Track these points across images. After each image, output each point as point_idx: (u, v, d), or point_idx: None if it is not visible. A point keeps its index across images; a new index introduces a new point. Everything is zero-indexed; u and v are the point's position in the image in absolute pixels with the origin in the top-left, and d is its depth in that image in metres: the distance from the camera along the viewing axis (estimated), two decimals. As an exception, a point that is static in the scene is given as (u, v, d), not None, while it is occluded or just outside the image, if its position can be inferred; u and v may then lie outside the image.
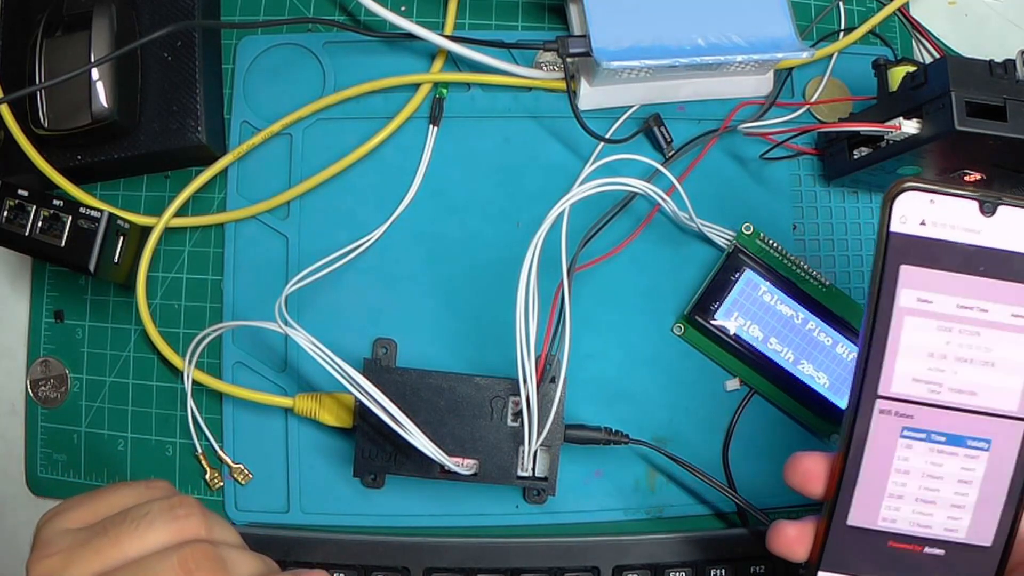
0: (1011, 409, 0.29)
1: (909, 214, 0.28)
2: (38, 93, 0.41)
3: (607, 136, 0.46)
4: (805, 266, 0.44)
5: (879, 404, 0.29)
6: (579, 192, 0.39)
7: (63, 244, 0.40)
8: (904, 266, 0.29)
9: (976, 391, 0.29)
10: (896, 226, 0.28)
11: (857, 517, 0.30)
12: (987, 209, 0.28)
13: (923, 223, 0.28)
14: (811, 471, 0.31)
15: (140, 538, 0.27)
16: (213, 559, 0.27)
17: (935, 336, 0.29)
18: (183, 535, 0.28)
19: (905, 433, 0.29)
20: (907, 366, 0.29)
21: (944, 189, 0.28)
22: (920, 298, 0.29)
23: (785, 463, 0.31)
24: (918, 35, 0.50)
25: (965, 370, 0.29)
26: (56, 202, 0.40)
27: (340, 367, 0.38)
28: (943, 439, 0.29)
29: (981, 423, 0.29)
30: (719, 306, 0.43)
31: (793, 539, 0.31)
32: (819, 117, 0.48)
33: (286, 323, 0.38)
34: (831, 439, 0.45)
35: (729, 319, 0.43)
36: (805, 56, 0.42)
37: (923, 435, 0.29)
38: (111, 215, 0.41)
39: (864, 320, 0.29)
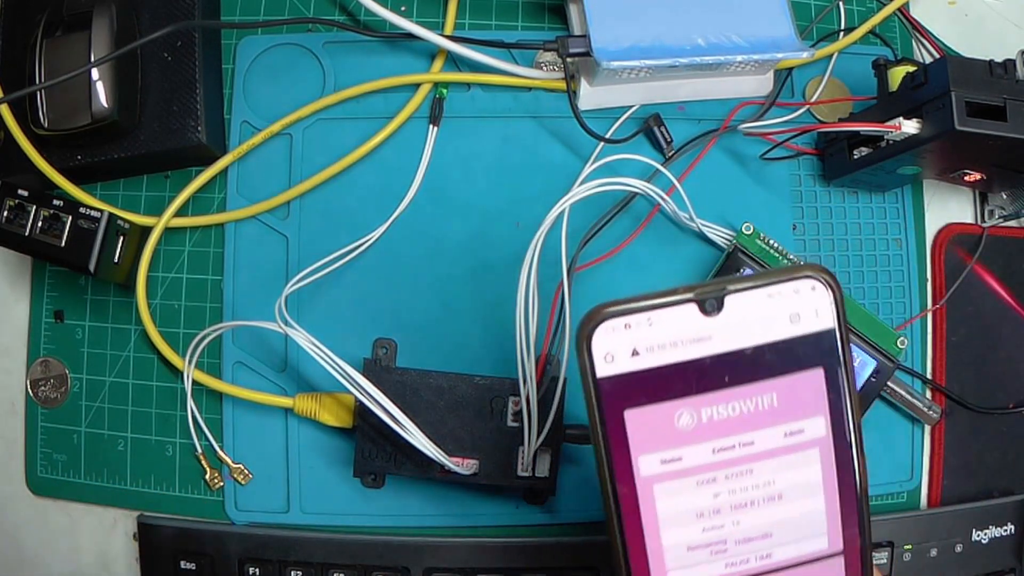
0: (819, 549, 0.24)
1: (615, 348, 0.22)
2: (38, 93, 0.41)
3: (607, 136, 0.45)
4: (805, 266, 0.44)
5: None
6: (579, 192, 0.39)
7: (63, 244, 0.40)
8: (629, 411, 0.22)
9: (771, 532, 0.23)
10: (603, 368, 0.22)
11: None
12: (709, 307, 0.22)
13: (636, 352, 0.22)
14: None
15: None
16: None
17: (699, 493, 0.23)
18: None
19: None
20: (674, 539, 0.23)
21: (642, 304, 0.23)
22: (665, 458, 0.22)
23: None
24: (918, 35, 0.50)
25: (748, 517, 0.23)
26: (56, 202, 0.40)
27: (340, 367, 0.38)
28: None
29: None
30: (719, 306, 0.43)
31: None
32: (819, 117, 0.48)
33: (286, 323, 0.38)
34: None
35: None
36: (805, 56, 0.42)
37: None
38: (111, 215, 0.41)
39: (602, 497, 0.23)
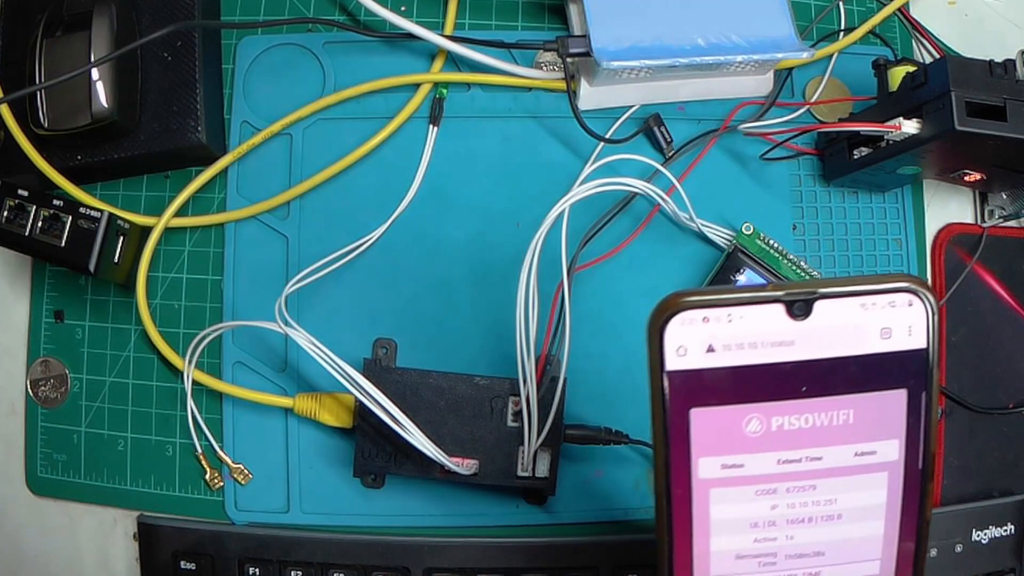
0: (870, 574, 0.22)
1: (689, 342, 0.21)
2: (38, 93, 0.41)
3: (607, 136, 0.45)
4: (805, 266, 0.44)
5: None
6: (579, 192, 0.39)
7: (63, 244, 0.40)
8: (695, 410, 0.21)
9: (824, 551, 0.22)
10: (674, 362, 0.21)
11: None
12: (798, 310, 0.21)
13: (711, 349, 0.21)
14: None
15: None
16: None
17: (756, 503, 0.22)
18: None
19: None
20: (723, 545, 0.22)
21: (724, 297, 0.21)
22: (726, 463, 0.21)
23: None
24: (918, 35, 0.49)
25: (803, 533, 0.22)
26: (56, 202, 0.40)
27: (340, 367, 0.38)
28: None
29: None
30: (719, 306, 0.43)
31: None
32: (819, 117, 0.48)
33: (286, 323, 0.38)
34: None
35: (729, 319, 0.43)
36: (805, 56, 0.42)
37: None
38: (111, 215, 0.41)
39: (656, 495, 0.22)
